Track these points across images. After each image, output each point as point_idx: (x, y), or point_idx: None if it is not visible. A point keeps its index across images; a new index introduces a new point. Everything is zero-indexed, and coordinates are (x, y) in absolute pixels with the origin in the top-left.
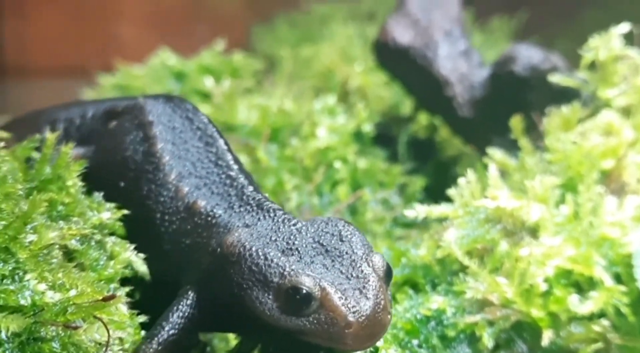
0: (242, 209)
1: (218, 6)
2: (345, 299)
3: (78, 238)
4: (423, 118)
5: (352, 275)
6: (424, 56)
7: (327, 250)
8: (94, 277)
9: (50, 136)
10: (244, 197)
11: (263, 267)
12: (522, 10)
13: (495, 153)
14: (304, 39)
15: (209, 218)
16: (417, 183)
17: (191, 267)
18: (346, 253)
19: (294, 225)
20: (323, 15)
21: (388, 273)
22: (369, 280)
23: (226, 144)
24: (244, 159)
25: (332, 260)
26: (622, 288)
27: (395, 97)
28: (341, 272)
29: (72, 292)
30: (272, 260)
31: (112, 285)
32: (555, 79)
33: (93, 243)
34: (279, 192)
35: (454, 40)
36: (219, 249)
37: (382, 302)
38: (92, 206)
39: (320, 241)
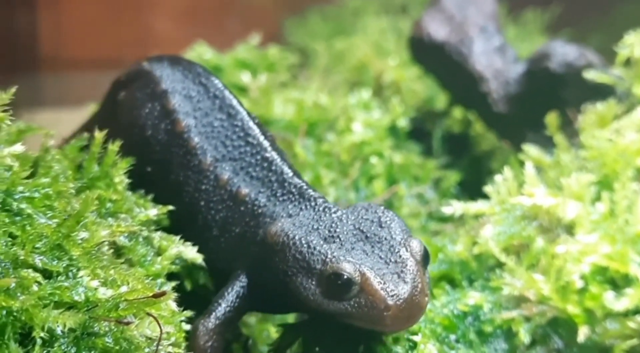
0: (284, 198)
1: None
2: (384, 283)
3: (126, 235)
4: (457, 112)
5: (390, 260)
6: (459, 52)
7: (367, 237)
8: (142, 272)
9: (98, 135)
10: (285, 184)
11: (306, 255)
12: (555, 3)
13: (531, 149)
14: (337, 32)
15: (255, 208)
16: (451, 178)
17: (242, 253)
18: (385, 238)
19: (335, 213)
20: (356, 8)
21: (425, 257)
22: (406, 265)
23: (249, 115)
24: None
25: (372, 246)
26: None
27: (429, 91)
28: (380, 257)
29: (124, 289)
30: (314, 248)
31: (159, 280)
32: (591, 75)
33: (141, 239)
34: (316, 186)
35: (488, 36)
36: (265, 238)
37: (420, 286)
38: (139, 203)
39: (361, 228)
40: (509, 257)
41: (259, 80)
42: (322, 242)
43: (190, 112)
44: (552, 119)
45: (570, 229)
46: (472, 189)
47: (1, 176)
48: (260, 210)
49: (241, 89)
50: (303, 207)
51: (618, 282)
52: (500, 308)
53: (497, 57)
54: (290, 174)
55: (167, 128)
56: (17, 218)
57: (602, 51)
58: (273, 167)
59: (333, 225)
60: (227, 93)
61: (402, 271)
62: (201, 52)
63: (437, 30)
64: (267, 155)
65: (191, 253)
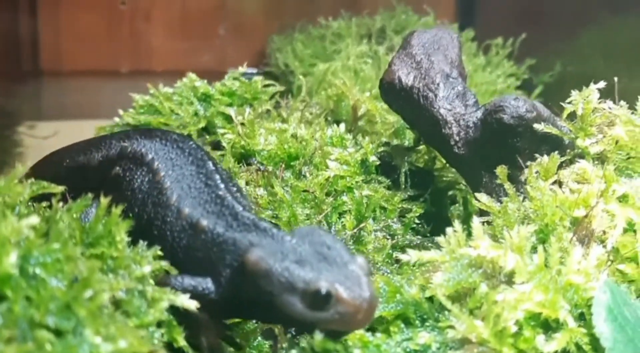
0: (241, 228)
1: (241, 14)
2: (352, 292)
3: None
4: (423, 148)
5: (348, 275)
6: (425, 96)
7: (325, 257)
8: (137, 322)
9: (103, 200)
10: (239, 217)
11: (289, 278)
12: (520, 30)
13: (482, 197)
14: (318, 54)
15: (215, 237)
16: (416, 210)
17: (206, 273)
18: (338, 258)
19: (290, 240)
20: (338, 30)
21: (369, 270)
22: (361, 277)
23: (215, 164)
24: (260, 190)
25: (331, 265)
26: (583, 329)
27: (400, 122)
28: (340, 273)
29: (122, 343)
30: (294, 272)
31: (151, 328)
32: (540, 127)
33: (136, 293)
34: (293, 223)
35: (452, 82)
36: (238, 264)
37: (374, 292)
38: (136, 259)
39: (317, 250)
40: (455, 302)
41: (244, 112)
42: (297, 266)
43: (168, 167)
44: (501, 170)
45: (510, 277)
46: (434, 219)
47: (19, 245)
48: (220, 239)
49: (228, 118)
50: (262, 236)
51: (550, 326)
52: (446, 348)
53: (459, 102)
54: (241, 209)
55: (149, 179)
56: (33, 282)
57: (564, 75)
58: (225, 203)
59: (297, 250)
60: (199, 150)
61: (359, 282)
62: (192, 80)
63: (407, 75)
64: (221, 193)
65: (184, 301)
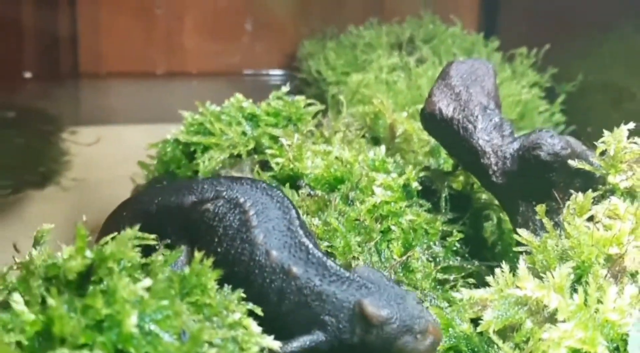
0: (334, 279)
1: (270, 16)
2: (437, 324)
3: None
4: (460, 172)
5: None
6: (465, 128)
7: (404, 299)
8: None
9: (197, 255)
10: (328, 267)
11: (408, 322)
12: (543, 39)
13: (522, 232)
14: (350, 62)
15: (311, 286)
16: (456, 235)
17: (304, 319)
18: (408, 298)
19: (369, 287)
20: (369, 40)
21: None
22: (430, 315)
23: (297, 212)
24: (316, 220)
25: (412, 306)
26: None
27: (436, 142)
28: (417, 308)
29: None
30: (402, 319)
31: None
32: (574, 164)
33: (229, 338)
34: (347, 252)
35: (489, 113)
36: (349, 314)
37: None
38: (227, 306)
39: (398, 294)
40: (502, 336)
41: (293, 136)
42: (404, 313)
43: (258, 209)
44: (541, 208)
45: (552, 314)
46: (472, 240)
47: (135, 305)
48: (317, 289)
49: (275, 138)
50: (347, 286)
51: None
52: None
53: (496, 133)
54: (326, 259)
55: (240, 219)
56: (149, 338)
57: (586, 84)
58: (310, 251)
59: (391, 296)
60: (285, 199)
61: (434, 319)
62: (239, 101)
63: (447, 106)
64: (303, 240)
65: (269, 342)
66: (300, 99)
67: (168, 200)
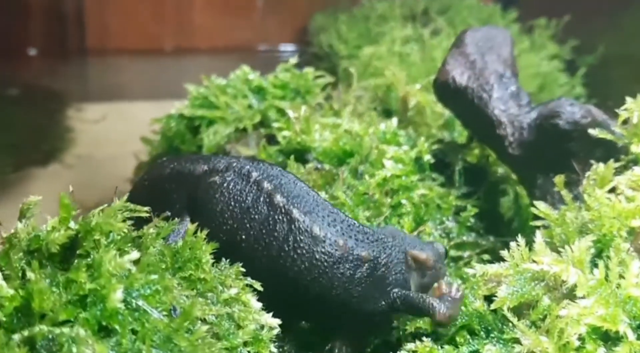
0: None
1: None
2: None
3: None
4: (475, 144)
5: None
6: (480, 97)
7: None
8: (228, 345)
9: (190, 226)
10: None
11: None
12: (563, 11)
13: (540, 205)
14: (362, 35)
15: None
16: (471, 210)
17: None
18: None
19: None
20: (382, 12)
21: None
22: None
23: (317, 193)
24: (322, 194)
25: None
26: None
27: (449, 113)
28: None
29: None
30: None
31: (240, 349)
32: (594, 132)
33: (225, 315)
34: None
35: (505, 82)
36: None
37: None
38: (223, 281)
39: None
40: (516, 313)
41: (300, 109)
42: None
43: (283, 191)
44: (559, 180)
45: (571, 291)
46: (488, 215)
47: (122, 279)
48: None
49: (281, 111)
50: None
51: (611, 339)
52: None
53: (513, 103)
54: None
55: (265, 200)
56: (136, 314)
57: (607, 56)
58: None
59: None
60: (301, 182)
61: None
62: (245, 73)
63: (461, 75)
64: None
65: (268, 320)
66: (309, 71)
67: (182, 165)
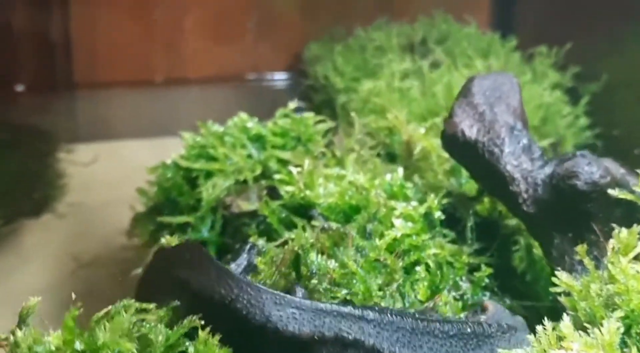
0: None
1: (274, 17)
2: None
3: None
4: (487, 199)
5: None
6: (491, 151)
7: None
8: None
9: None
10: None
11: None
12: (563, 37)
13: (562, 275)
14: (359, 67)
15: None
16: (485, 270)
17: None
18: None
19: None
20: (379, 43)
21: None
22: None
23: None
24: (332, 262)
25: None
26: None
27: None
28: None
29: None
30: None
31: None
32: (614, 192)
33: None
34: (367, 298)
35: (517, 135)
36: None
37: None
38: None
39: None
40: None
41: (304, 162)
42: None
43: None
44: (582, 249)
45: None
46: (501, 271)
47: None
48: None
49: (284, 162)
50: None
51: None
52: None
53: (525, 157)
54: None
55: None
56: None
57: (611, 83)
58: None
59: None
60: None
61: None
62: (243, 121)
63: (470, 127)
64: None
65: None
66: (309, 115)
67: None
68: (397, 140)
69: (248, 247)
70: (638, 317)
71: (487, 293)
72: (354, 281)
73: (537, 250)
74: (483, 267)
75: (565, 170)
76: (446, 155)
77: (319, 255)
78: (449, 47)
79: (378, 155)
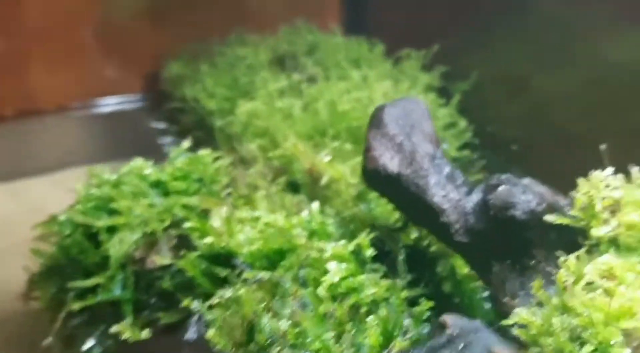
0: None
1: (122, 39)
2: None
3: None
4: (412, 228)
5: None
6: (416, 184)
7: None
8: None
9: None
10: None
11: None
12: (426, 39)
13: (522, 311)
14: (231, 88)
15: None
16: (425, 303)
17: None
18: None
19: None
20: (247, 60)
21: None
22: None
23: None
24: (283, 322)
25: None
26: None
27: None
28: None
29: None
30: None
31: None
32: (551, 218)
33: None
34: None
35: (439, 164)
36: None
37: None
38: None
39: None
40: None
41: (220, 214)
42: None
43: None
44: (537, 284)
45: None
46: (437, 300)
47: None
48: None
49: (188, 208)
50: None
51: None
52: None
53: (451, 186)
54: None
55: None
56: None
57: (482, 80)
58: None
59: None
60: None
61: None
62: (140, 167)
63: (391, 160)
64: None
65: None
66: (206, 153)
67: None
68: (296, 168)
69: (196, 318)
70: (606, 348)
71: (427, 325)
72: (308, 339)
73: (462, 270)
74: (423, 300)
75: (502, 201)
76: (353, 181)
77: (268, 316)
78: (320, 59)
79: (285, 188)
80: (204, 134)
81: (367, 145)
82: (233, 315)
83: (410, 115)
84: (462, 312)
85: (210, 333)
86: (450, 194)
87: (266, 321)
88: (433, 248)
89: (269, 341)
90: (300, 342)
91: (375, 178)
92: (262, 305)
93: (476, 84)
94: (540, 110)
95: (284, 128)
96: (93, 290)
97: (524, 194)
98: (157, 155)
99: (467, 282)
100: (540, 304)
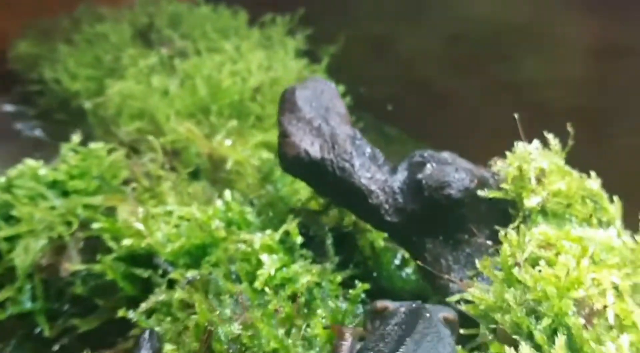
0: None
1: None
2: None
3: None
4: (333, 210)
5: None
6: (342, 168)
7: None
8: None
9: None
10: None
11: None
12: (290, 4)
13: (475, 291)
14: (95, 67)
15: None
16: (361, 287)
17: None
18: None
19: None
20: (111, 38)
21: None
22: None
23: None
24: (235, 326)
25: None
26: None
27: (267, 164)
28: None
29: None
30: None
31: None
32: (484, 193)
33: None
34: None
35: (359, 144)
36: None
37: None
38: None
39: None
40: None
41: (138, 215)
42: None
43: None
44: (484, 263)
45: None
46: (366, 279)
47: None
48: None
49: (92, 207)
50: None
51: None
52: None
53: (375, 167)
54: None
55: None
56: None
57: (351, 42)
58: None
59: None
60: None
61: None
62: (33, 168)
63: (312, 145)
64: None
65: None
66: (99, 146)
67: None
68: (194, 153)
69: (147, 334)
70: (562, 318)
71: (360, 306)
72: (263, 340)
73: (378, 244)
74: (358, 283)
75: (436, 182)
76: (257, 163)
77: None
78: (186, 32)
79: (184, 177)
80: (68, 116)
81: (283, 130)
82: (182, 326)
83: (321, 96)
84: (383, 284)
85: (167, 349)
86: (376, 175)
87: (221, 331)
88: (350, 229)
89: (230, 351)
90: (256, 344)
91: (297, 164)
92: (216, 313)
93: (343, 46)
94: (407, 68)
95: (163, 107)
96: (1, 304)
97: (457, 173)
98: (20, 142)
99: (384, 254)
100: (477, 276)
